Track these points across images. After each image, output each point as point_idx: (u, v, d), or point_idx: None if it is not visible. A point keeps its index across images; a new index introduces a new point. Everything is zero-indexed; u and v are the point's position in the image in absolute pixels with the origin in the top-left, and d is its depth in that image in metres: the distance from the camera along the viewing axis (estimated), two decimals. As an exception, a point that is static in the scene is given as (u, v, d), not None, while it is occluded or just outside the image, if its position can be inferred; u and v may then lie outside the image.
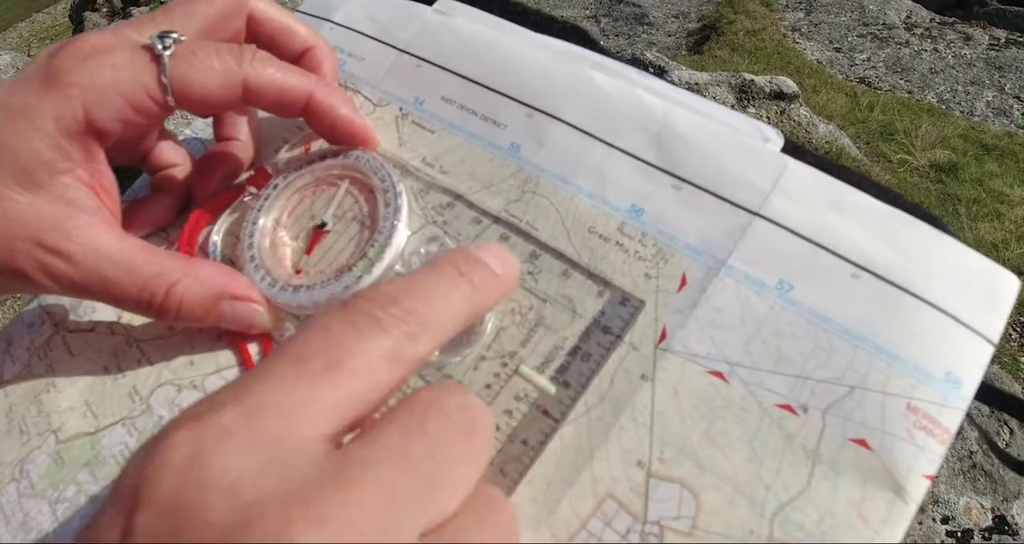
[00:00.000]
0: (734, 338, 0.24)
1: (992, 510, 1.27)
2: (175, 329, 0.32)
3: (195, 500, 0.16)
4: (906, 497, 0.21)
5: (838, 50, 4.17)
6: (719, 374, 0.23)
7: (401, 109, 0.34)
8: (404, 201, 0.30)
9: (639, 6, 4.72)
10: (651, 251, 0.26)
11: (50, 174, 0.26)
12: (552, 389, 0.26)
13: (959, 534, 1.25)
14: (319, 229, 0.31)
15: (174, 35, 0.27)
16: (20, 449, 0.31)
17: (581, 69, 0.31)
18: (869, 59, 4.11)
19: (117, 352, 0.32)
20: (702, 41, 4.13)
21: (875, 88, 3.81)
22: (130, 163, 0.34)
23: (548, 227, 0.28)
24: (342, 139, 0.32)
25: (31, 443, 0.31)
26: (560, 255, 0.28)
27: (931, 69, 4.03)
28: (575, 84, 0.31)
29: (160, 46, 0.26)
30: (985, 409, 1.41)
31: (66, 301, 0.35)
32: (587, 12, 4.79)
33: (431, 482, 0.18)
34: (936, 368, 0.22)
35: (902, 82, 3.90)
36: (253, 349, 0.29)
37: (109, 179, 0.29)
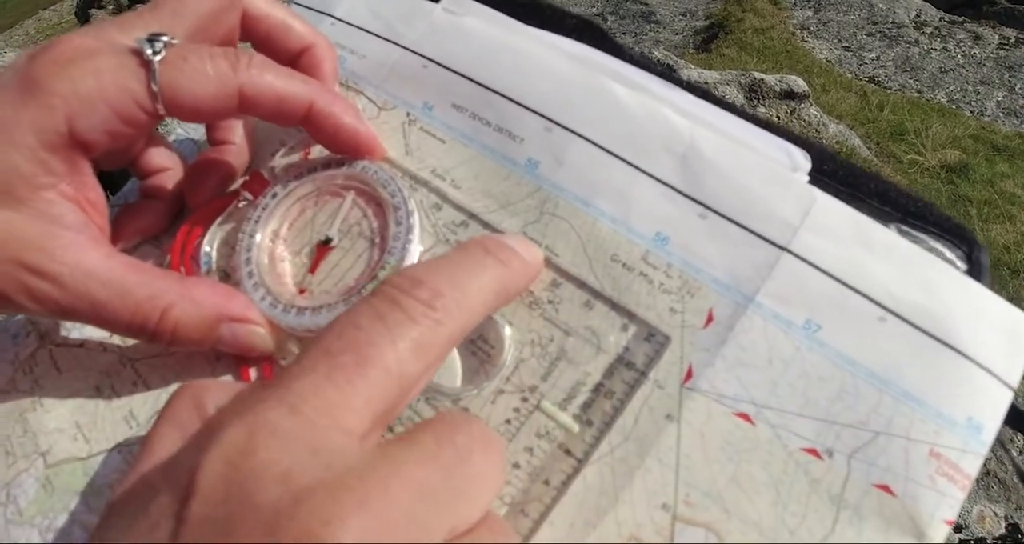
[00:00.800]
0: (761, 379, 0.23)
1: (1006, 518, 1.26)
2: (170, 350, 0.30)
3: (249, 487, 0.16)
4: (927, 542, 0.21)
5: (847, 49, 4.15)
6: (745, 416, 0.23)
7: (408, 114, 0.32)
8: (416, 220, 0.29)
9: (646, 4, 4.70)
10: (676, 283, 0.25)
11: (31, 190, 0.24)
12: (576, 428, 0.24)
13: (972, 542, 1.23)
14: (324, 245, 0.29)
15: (164, 38, 0.25)
16: (6, 471, 0.29)
17: (601, 80, 0.29)
18: (878, 58, 4.08)
19: (110, 371, 0.30)
20: (710, 39, 4.11)
21: (884, 87, 3.78)
22: (117, 168, 0.32)
23: (569, 253, 0.27)
24: (345, 149, 0.30)
25: (17, 465, 0.29)
26: (582, 284, 0.26)
27: (941, 68, 4.00)
28: (596, 97, 0.29)
29: (149, 51, 0.25)
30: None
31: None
32: (594, 10, 4.77)
33: (460, 489, 0.19)
34: (959, 414, 0.22)
35: (912, 81, 3.88)
36: (254, 373, 0.28)
37: (96, 191, 0.27)
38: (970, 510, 1.24)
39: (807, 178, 0.29)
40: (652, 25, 4.52)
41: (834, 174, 0.31)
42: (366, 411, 0.19)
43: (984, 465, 1.30)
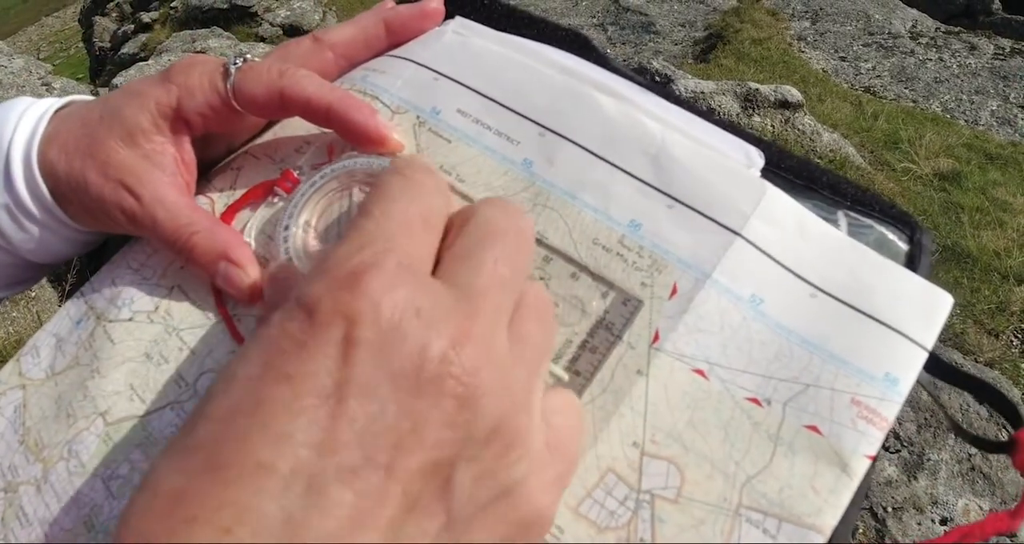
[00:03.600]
0: (714, 342, 0.28)
1: (990, 512, 1.29)
2: (212, 320, 0.34)
3: (400, 325, 0.21)
4: (850, 472, 0.26)
5: (843, 59, 4.19)
6: (701, 372, 0.27)
7: (418, 117, 0.36)
8: None
9: (646, 15, 4.74)
10: (647, 262, 0.29)
11: (146, 140, 0.34)
12: (566, 377, 0.29)
13: (957, 537, 1.26)
14: None
15: (248, 56, 0.35)
16: (67, 431, 0.33)
17: (588, 90, 0.34)
18: (874, 68, 4.12)
19: (157, 340, 0.34)
20: (708, 49, 4.15)
21: (880, 97, 3.82)
22: (211, 158, 0.39)
23: (557, 237, 0.31)
24: (360, 141, 0.34)
25: (78, 425, 0.33)
26: (569, 259, 0.30)
27: (936, 78, 4.04)
28: (583, 106, 0.33)
29: (232, 63, 0.34)
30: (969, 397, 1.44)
31: (106, 295, 0.38)
32: (594, 20, 4.81)
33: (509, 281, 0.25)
34: (877, 370, 0.27)
35: (907, 91, 3.92)
36: None
37: (190, 157, 0.36)
38: (955, 504, 1.28)
39: (759, 173, 0.33)
40: (651, 35, 4.57)
41: (791, 169, 0.35)
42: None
43: (969, 460, 1.34)
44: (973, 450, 1.35)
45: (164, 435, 0.32)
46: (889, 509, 1.31)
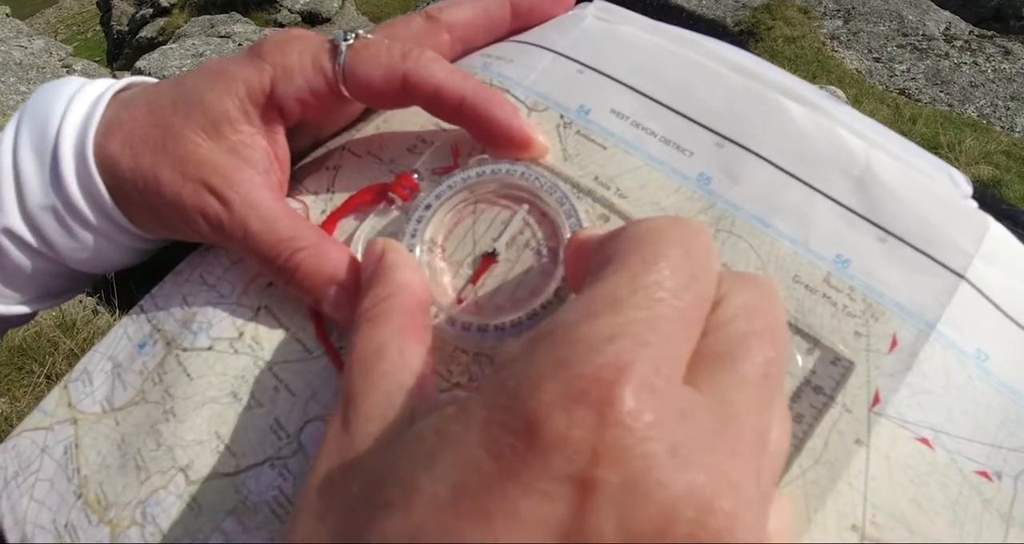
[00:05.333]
0: (939, 405, 0.24)
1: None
2: (313, 353, 0.28)
3: (654, 467, 0.15)
4: None
5: (877, 60, 4.12)
6: (925, 441, 0.24)
7: (563, 117, 0.30)
8: None
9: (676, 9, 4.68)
10: (860, 307, 0.25)
11: (233, 131, 0.29)
12: None
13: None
14: (489, 257, 0.28)
15: (359, 31, 0.29)
16: (139, 488, 0.28)
17: (774, 96, 0.28)
18: (909, 70, 4.05)
19: (246, 376, 0.29)
20: (740, 46, 4.10)
21: (915, 100, 3.75)
22: (304, 148, 0.34)
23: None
24: (498, 143, 0.29)
25: (152, 482, 0.28)
26: None
27: (971, 83, 3.97)
28: (768, 114, 0.28)
29: (342, 40, 0.29)
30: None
31: (176, 316, 0.32)
32: (621, 14, 4.76)
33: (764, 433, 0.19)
34: None
35: (942, 95, 3.85)
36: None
37: (283, 151, 0.31)
38: None
39: (976, 204, 0.28)
40: (679, 31, 4.52)
41: (973, 196, 0.30)
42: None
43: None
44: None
45: (264, 499, 0.26)
46: None
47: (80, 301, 1.99)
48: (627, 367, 0.16)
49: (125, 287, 0.40)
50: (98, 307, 2.00)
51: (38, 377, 1.76)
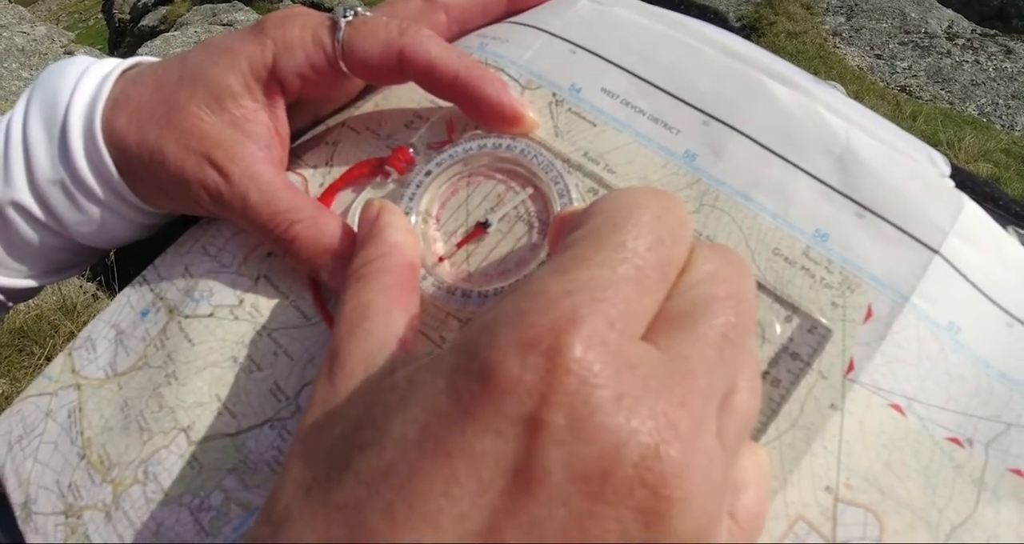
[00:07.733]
0: (912, 375, 0.25)
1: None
2: (311, 320, 0.29)
3: (598, 411, 0.16)
4: None
5: (879, 57, 4.12)
6: (898, 408, 0.24)
7: (555, 95, 0.31)
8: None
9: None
10: (837, 279, 0.26)
11: (235, 106, 0.30)
12: None
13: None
14: (481, 226, 0.29)
15: (358, 8, 0.30)
16: (141, 448, 0.29)
17: (758, 76, 0.29)
18: (910, 67, 4.05)
19: (246, 341, 0.30)
20: (741, 42, 4.09)
21: (916, 97, 3.75)
22: (305, 125, 0.35)
23: (730, 245, 0.27)
24: (489, 120, 0.30)
25: (155, 442, 0.29)
26: None
27: (972, 81, 3.97)
28: (753, 94, 0.29)
29: (342, 16, 0.30)
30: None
31: (178, 285, 0.33)
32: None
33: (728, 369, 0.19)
34: None
35: (943, 92, 3.85)
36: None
37: (284, 127, 0.32)
38: None
39: (953, 183, 0.29)
40: (682, 25, 4.51)
41: (953, 178, 0.31)
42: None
43: None
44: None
45: (264, 458, 0.27)
46: None
47: (80, 286, 2.00)
48: (580, 319, 0.17)
49: (125, 272, 0.41)
50: (98, 292, 2.01)
51: (39, 359, 1.78)
